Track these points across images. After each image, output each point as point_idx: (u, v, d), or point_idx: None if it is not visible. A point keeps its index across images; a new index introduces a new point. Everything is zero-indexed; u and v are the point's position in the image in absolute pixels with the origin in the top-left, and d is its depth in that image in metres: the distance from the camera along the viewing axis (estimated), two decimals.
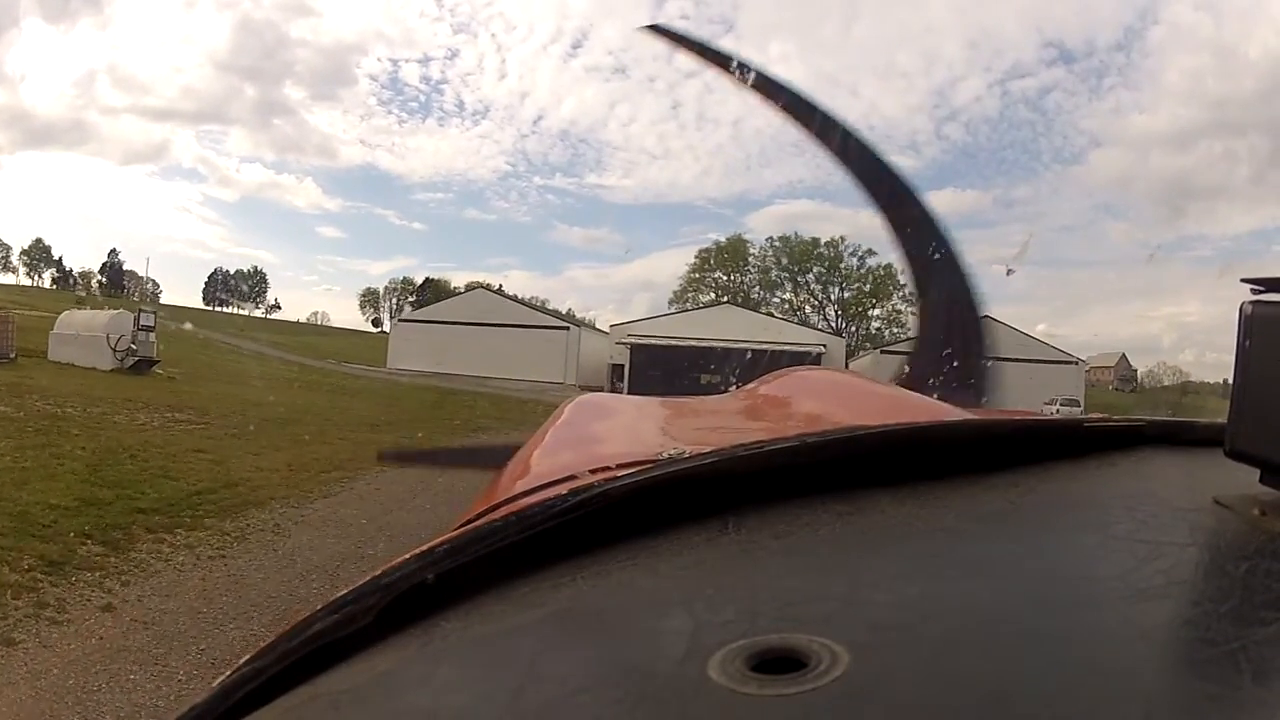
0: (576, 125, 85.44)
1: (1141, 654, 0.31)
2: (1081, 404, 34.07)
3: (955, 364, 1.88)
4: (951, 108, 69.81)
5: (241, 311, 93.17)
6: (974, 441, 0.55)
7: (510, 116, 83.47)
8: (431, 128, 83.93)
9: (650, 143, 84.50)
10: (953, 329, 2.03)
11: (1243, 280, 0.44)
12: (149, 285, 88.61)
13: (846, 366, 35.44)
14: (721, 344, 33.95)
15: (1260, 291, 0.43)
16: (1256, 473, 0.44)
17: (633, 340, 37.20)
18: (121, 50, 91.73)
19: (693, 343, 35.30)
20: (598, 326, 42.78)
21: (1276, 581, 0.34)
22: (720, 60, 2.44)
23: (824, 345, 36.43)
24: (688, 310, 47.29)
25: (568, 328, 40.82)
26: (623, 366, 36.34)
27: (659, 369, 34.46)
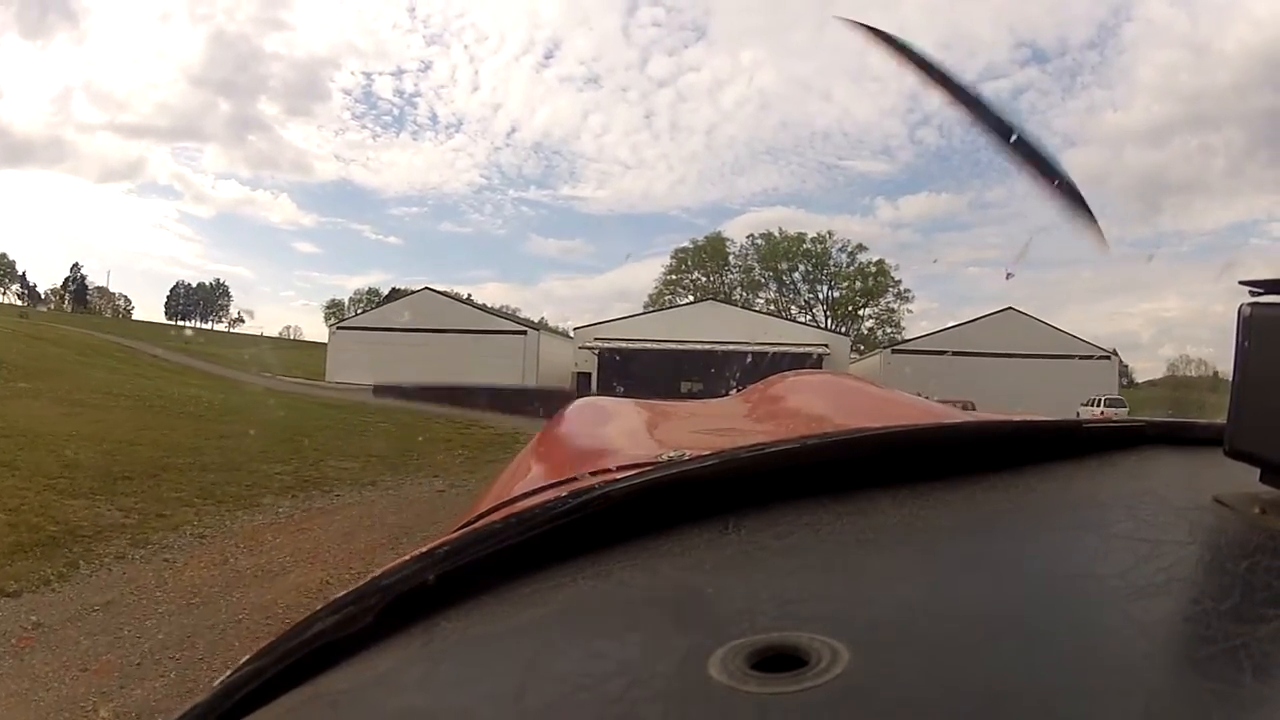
0: (550, 137, 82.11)
1: (1142, 652, 0.31)
2: (1127, 405, 29.23)
3: None
4: (925, 111, 67.56)
5: (204, 326, 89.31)
6: (974, 443, 0.55)
7: (484, 129, 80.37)
8: (405, 141, 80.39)
9: (624, 153, 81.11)
10: None
11: (1241, 282, 0.44)
12: (120, 301, 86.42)
13: (849, 368, 30.90)
14: (706, 347, 29.14)
15: (1259, 293, 0.43)
16: (1257, 471, 0.44)
17: (601, 345, 32.02)
18: (97, 66, 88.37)
19: (672, 346, 30.36)
20: (569, 334, 37.20)
21: (1277, 579, 0.34)
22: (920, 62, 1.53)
23: (826, 345, 31.49)
24: (665, 309, 42.17)
25: (525, 332, 35.39)
26: (590, 375, 31.20)
27: (633, 378, 29.54)
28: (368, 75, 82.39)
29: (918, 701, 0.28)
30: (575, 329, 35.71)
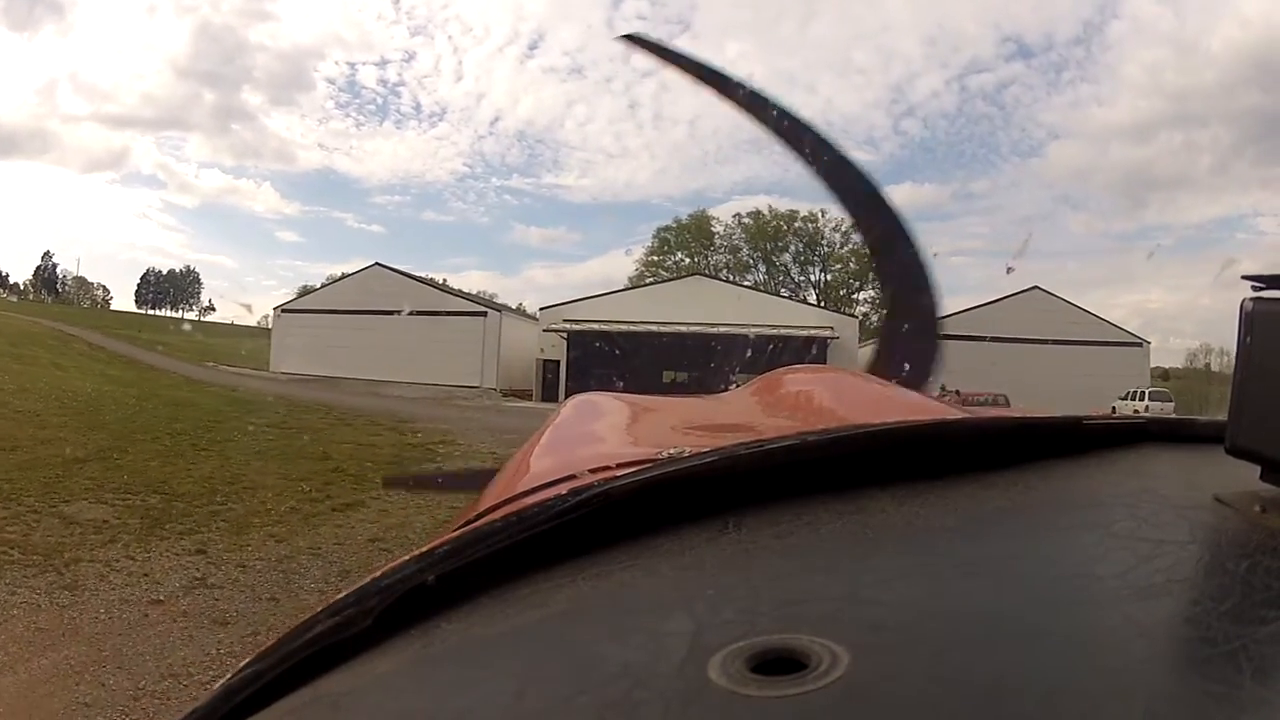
0: (533, 125, 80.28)
1: (1142, 652, 0.31)
2: (1172, 399, 25.59)
3: (911, 350, 1.81)
4: (909, 103, 66.46)
5: (174, 314, 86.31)
6: (975, 440, 0.55)
7: (467, 118, 77.31)
8: (389, 130, 77.50)
9: (607, 142, 79.11)
10: (911, 316, 1.91)
11: (1243, 277, 0.44)
12: (98, 290, 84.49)
13: (858, 354, 27.23)
14: (695, 329, 25.30)
15: (1260, 288, 0.43)
16: (1257, 470, 0.43)
17: (570, 327, 28.01)
18: (83, 57, 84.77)
19: (656, 329, 26.43)
20: (538, 317, 32.51)
21: (1277, 579, 0.34)
22: (700, 72, 2.10)
23: (831, 328, 27.64)
24: (645, 285, 37.76)
25: (484, 313, 31.28)
26: (558, 364, 27.24)
27: (609, 365, 25.68)
28: (351, 65, 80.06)
29: (918, 704, 0.28)
30: (541, 309, 31.19)
